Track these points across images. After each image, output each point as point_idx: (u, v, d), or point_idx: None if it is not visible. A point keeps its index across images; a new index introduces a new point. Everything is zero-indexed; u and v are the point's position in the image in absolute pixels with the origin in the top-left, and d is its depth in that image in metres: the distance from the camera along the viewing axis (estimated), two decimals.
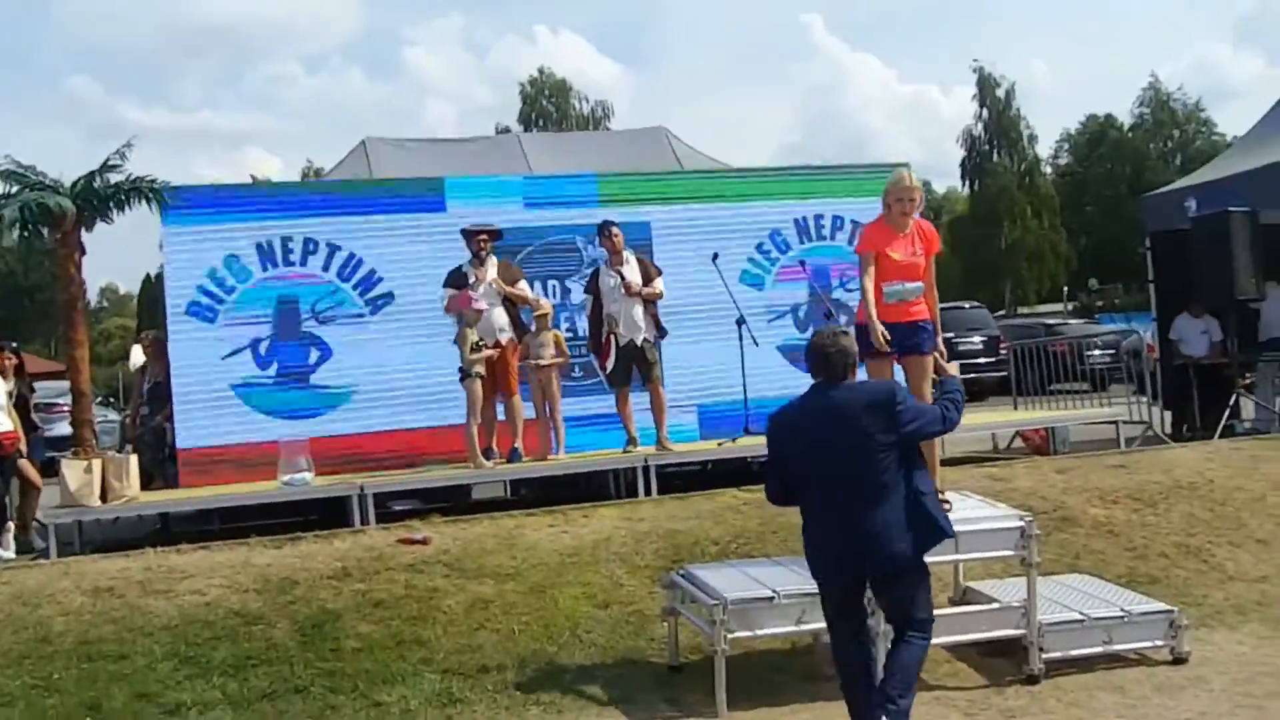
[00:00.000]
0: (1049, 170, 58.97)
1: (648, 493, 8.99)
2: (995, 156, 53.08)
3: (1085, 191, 58.45)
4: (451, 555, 7.59)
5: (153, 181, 8.89)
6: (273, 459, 9.00)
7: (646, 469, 9.02)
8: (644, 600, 7.06)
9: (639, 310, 9.27)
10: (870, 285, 6.58)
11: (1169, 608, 6.19)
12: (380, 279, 9.95)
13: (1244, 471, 8.90)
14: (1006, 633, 5.90)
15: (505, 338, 9.33)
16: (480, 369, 8.95)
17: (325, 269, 9.89)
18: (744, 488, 8.82)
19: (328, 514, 9.08)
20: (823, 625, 5.76)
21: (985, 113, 52.87)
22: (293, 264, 9.82)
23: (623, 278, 9.23)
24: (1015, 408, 13.00)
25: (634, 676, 6.28)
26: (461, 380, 8.99)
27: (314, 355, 9.82)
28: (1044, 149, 58.56)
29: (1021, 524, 5.85)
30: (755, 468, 10.81)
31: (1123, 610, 6.05)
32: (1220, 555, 7.72)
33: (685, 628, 6.31)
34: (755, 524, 8.00)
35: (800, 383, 10.43)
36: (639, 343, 9.26)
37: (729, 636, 5.54)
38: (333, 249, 9.89)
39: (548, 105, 50.43)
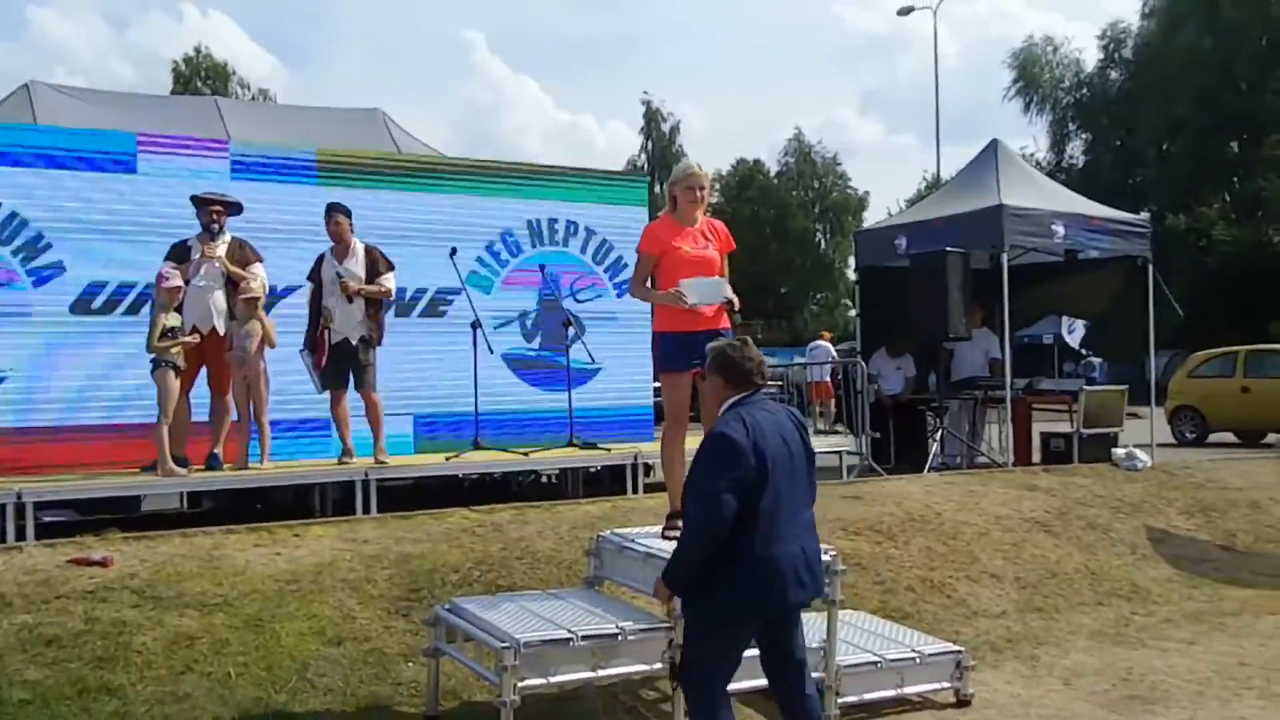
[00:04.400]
0: None
1: (366, 510, 7.98)
2: (657, 188, 54.54)
3: (731, 231, 61.07)
4: (140, 580, 6.31)
5: None
6: None
7: (366, 483, 8.00)
8: (382, 636, 6.12)
9: (358, 306, 8.26)
10: (646, 288, 6.00)
11: (956, 648, 5.98)
12: (49, 245, 8.30)
13: (965, 505, 9.05)
14: None
15: (224, 327, 8.06)
16: (178, 359, 7.62)
17: None
18: (473, 508, 8.03)
19: None
20: (615, 671, 5.13)
21: (650, 145, 54.36)
22: None
23: (339, 276, 8.20)
24: None
25: None
26: (153, 371, 7.62)
27: None
28: None
29: (826, 559, 5.41)
30: (465, 485, 10.03)
31: (914, 651, 5.77)
32: (961, 590, 7.72)
33: (446, 670, 5.46)
34: (497, 549, 7.22)
35: (524, 395, 10.07)
36: (354, 342, 8.25)
37: (520, 685, 4.73)
38: None
39: (204, 88, 46.78)
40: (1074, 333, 18.34)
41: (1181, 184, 36.29)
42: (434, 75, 78.10)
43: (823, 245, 59.48)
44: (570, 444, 9.19)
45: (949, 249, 10.69)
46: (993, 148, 12.33)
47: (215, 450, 8.11)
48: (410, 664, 5.88)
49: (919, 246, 11.52)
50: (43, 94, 10.58)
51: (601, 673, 4.99)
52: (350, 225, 8.36)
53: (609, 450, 9.16)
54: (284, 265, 8.69)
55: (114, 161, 8.52)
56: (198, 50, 48.20)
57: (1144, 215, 12.47)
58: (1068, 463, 11.04)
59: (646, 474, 9.41)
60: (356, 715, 5.42)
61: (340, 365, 8.30)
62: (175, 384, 7.63)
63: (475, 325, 8.73)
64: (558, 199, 10.29)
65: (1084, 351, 18.14)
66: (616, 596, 5.85)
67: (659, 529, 5.92)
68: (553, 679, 4.86)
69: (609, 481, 9.77)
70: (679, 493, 6.09)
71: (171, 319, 7.64)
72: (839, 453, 10.11)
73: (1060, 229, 11.18)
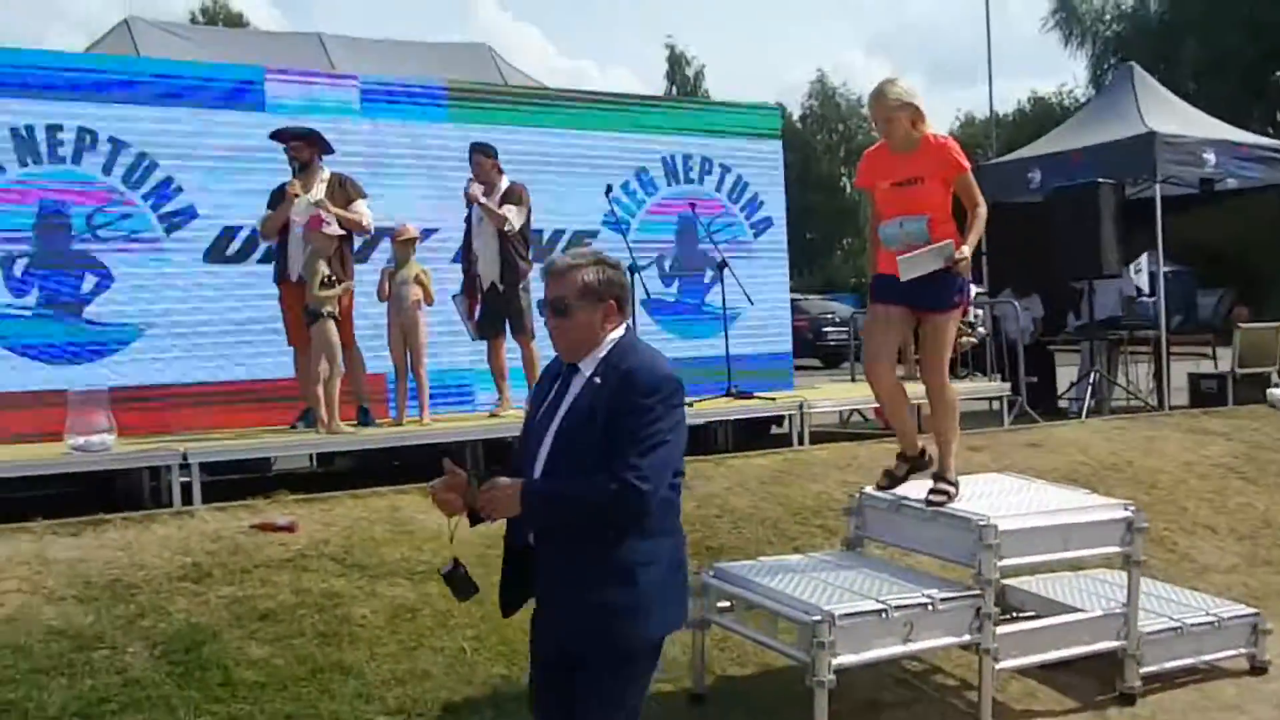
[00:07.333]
0: None
1: None
2: None
3: None
4: (335, 547, 5.78)
5: None
6: (31, 411, 6.82)
7: None
8: None
9: (495, 246, 7.67)
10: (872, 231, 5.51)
11: (1252, 610, 5.46)
12: (179, 190, 7.71)
13: (1150, 452, 8.52)
14: (1105, 645, 4.93)
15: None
16: (336, 309, 7.06)
17: (106, 171, 7.53)
18: None
19: (94, 488, 6.96)
20: (924, 644, 4.61)
21: (675, 91, 53.27)
22: (62, 160, 7.40)
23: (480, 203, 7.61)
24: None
25: (647, 711, 4.82)
26: (310, 324, 7.06)
27: (89, 283, 7.48)
28: None
29: (1129, 514, 4.90)
30: None
31: (1212, 615, 5.25)
32: (1182, 543, 7.21)
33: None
34: (691, 506, 6.64)
35: (663, 343, 9.50)
36: (501, 286, 7.68)
37: (835, 663, 4.21)
38: (118, 146, 7.53)
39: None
40: (1139, 273, 17.76)
41: (1225, 117, 35.32)
42: (427, 26, 75.43)
43: (848, 189, 58.61)
44: (728, 394, 8.62)
45: (1100, 180, 10.05)
46: (1128, 73, 11.71)
47: (364, 405, 7.57)
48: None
49: (1055, 179, 10.91)
50: (144, 31, 9.93)
51: (912, 647, 4.47)
52: (494, 165, 7.77)
53: (774, 399, 8.59)
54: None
55: (242, 97, 7.90)
56: (214, 1, 47.02)
57: None
58: (1221, 405, 10.48)
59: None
60: None
61: (493, 311, 7.77)
62: (338, 335, 7.08)
63: (632, 270, 8.13)
64: (691, 134, 9.67)
65: (1143, 290, 17.61)
66: (885, 560, 5.34)
67: (916, 483, 5.40)
68: (864, 655, 4.33)
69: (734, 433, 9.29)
70: (913, 436, 5.55)
71: (325, 267, 7.06)
72: (1001, 398, 9.55)
73: (1211, 157, 10.56)
